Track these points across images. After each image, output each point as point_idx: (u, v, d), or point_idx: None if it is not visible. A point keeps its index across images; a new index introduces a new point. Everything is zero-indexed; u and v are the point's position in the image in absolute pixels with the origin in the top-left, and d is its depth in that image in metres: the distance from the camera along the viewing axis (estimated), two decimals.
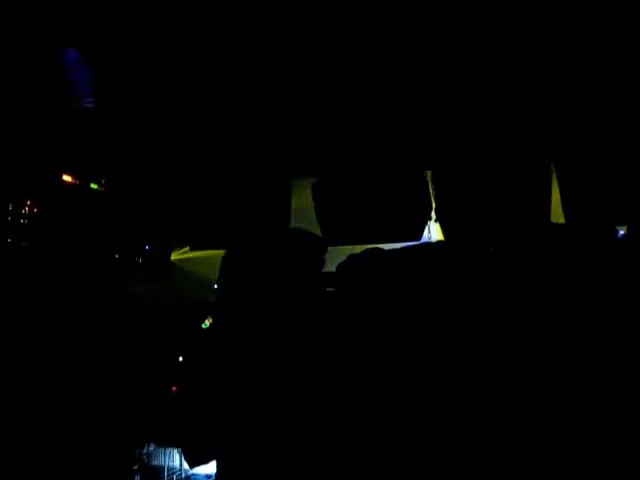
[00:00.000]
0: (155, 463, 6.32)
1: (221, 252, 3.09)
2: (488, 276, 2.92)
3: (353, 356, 2.76)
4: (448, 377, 2.71)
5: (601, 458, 2.48)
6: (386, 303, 2.88)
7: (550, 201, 5.59)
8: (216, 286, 3.08)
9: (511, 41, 5.24)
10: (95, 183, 6.66)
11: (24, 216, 6.31)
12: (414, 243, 5.13)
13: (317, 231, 6.02)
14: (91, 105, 6.31)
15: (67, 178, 6.45)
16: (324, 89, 5.82)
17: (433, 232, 6.02)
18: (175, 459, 6.32)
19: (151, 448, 6.27)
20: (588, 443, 2.49)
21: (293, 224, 6.45)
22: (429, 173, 6.04)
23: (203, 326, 6.33)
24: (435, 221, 5.91)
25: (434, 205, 5.98)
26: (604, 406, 2.52)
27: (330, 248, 3.13)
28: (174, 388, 6.09)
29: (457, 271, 2.94)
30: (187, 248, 7.31)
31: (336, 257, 3.14)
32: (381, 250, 3.10)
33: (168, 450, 6.30)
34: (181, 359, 6.37)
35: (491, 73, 5.45)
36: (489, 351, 2.70)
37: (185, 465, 6.36)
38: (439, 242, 5.20)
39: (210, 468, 3.41)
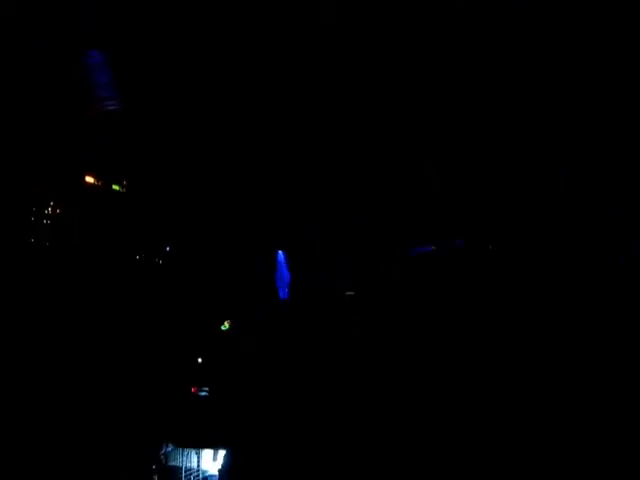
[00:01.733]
0: (173, 463, 6.36)
1: None
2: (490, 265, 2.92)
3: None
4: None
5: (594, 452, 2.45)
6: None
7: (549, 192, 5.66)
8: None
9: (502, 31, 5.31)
10: (117, 184, 6.70)
11: (46, 217, 6.37)
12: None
13: None
14: (113, 107, 6.36)
15: (89, 179, 6.51)
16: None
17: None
18: (192, 460, 6.36)
19: (169, 449, 6.31)
20: (583, 435, 2.47)
21: None
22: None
23: (222, 328, 6.36)
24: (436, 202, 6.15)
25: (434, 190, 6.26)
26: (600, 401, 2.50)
27: None
28: (193, 389, 6.12)
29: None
30: None
31: None
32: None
33: (186, 451, 6.34)
34: (200, 360, 6.39)
35: (486, 72, 5.57)
36: (495, 337, 2.70)
37: (202, 466, 6.40)
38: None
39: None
